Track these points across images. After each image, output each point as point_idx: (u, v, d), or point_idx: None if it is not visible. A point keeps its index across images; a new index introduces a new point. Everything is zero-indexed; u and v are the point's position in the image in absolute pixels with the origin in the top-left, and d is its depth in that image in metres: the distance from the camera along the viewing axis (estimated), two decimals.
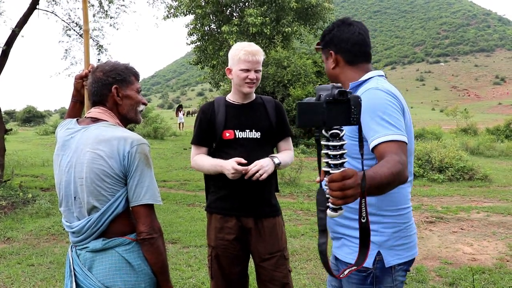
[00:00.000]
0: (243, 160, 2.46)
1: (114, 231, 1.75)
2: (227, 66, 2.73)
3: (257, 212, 2.59)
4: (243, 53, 2.55)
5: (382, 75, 1.92)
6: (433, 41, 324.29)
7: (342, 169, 1.24)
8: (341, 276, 1.38)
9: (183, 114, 33.62)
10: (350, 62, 1.93)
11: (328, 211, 1.26)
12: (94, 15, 11.45)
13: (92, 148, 1.71)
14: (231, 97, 2.70)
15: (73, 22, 11.42)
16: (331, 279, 2.10)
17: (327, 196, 1.24)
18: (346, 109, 1.27)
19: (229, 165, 2.44)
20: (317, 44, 2.05)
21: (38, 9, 10.11)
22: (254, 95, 2.76)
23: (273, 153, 2.71)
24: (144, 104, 1.96)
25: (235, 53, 2.60)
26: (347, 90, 1.27)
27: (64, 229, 6.07)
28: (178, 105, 36.83)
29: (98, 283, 1.71)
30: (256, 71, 2.61)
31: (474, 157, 13.93)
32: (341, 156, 1.27)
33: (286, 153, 2.73)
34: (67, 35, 11.53)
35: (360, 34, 1.92)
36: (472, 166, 10.78)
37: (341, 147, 1.27)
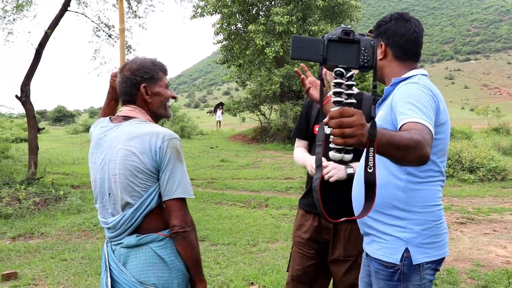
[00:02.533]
0: (323, 160, 2.44)
1: (147, 227, 1.77)
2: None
3: (338, 213, 2.55)
4: None
5: (426, 75, 1.90)
6: (463, 38, 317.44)
7: None
8: (335, 221, 1.39)
9: (222, 113, 33.50)
10: (398, 58, 1.92)
11: (333, 153, 1.22)
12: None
13: (125, 144, 1.73)
14: (330, 92, 2.68)
15: (102, 23, 11.63)
16: (363, 274, 2.09)
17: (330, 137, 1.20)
18: (355, 50, 1.27)
19: (310, 162, 2.51)
20: (370, 31, 2.02)
21: (69, 10, 10.33)
22: (356, 90, 2.71)
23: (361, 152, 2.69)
24: (174, 98, 1.96)
25: None
26: (353, 31, 1.26)
27: (94, 225, 6.24)
28: (217, 103, 36.78)
29: (132, 279, 1.74)
30: None
31: (507, 157, 13.56)
32: (349, 96, 1.25)
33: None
34: (96, 35, 11.74)
35: (415, 32, 1.91)
36: (504, 166, 10.53)
37: (349, 87, 1.25)
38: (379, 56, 1.94)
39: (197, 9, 23.68)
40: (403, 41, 1.90)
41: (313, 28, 21.26)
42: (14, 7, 9.82)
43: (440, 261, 1.85)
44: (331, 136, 1.18)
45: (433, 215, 1.82)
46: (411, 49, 1.92)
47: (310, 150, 2.72)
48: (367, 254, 1.98)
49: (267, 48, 21.27)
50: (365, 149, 1.22)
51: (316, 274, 2.70)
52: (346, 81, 1.26)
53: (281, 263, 4.74)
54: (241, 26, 24.47)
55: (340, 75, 1.25)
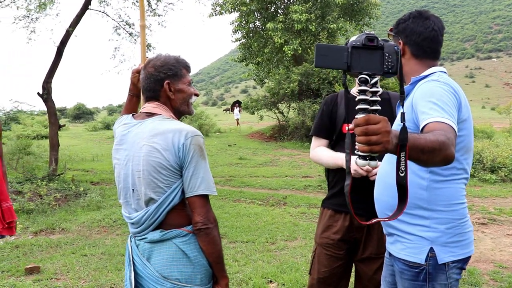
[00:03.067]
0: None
1: (171, 222, 1.78)
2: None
3: (370, 212, 2.46)
4: None
5: (445, 72, 1.88)
6: (485, 36, 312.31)
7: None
8: (367, 222, 1.43)
9: (239, 111, 33.44)
10: (416, 56, 1.91)
11: (358, 160, 1.23)
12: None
13: (148, 141, 1.74)
14: (354, 89, 2.61)
15: (122, 21, 11.75)
16: (386, 274, 2.07)
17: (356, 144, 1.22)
18: (379, 56, 1.27)
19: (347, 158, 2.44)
20: (390, 30, 2.03)
21: (90, 9, 10.45)
22: (380, 89, 2.66)
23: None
24: (196, 95, 1.97)
25: None
26: (377, 37, 1.27)
27: (114, 221, 6.30)
28: (234, 101, 36.71)
29: (156, 273, 1.75)
30: None
31: None
32: (374, 103, 1.24)
33: None
34: (116, 33, 11.86)
35: (433, 30, 1.89)
36: None
37: (374, 94, 1.24)
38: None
39: (216, 7, 23.74)
40: (421, 39, 1.89)
41: (331, 26, 21.13)
42: (37, 6, 9.98)
43: (466, 260, 1.84)
44: (357, 144, 1.19)
45: (457, 213, 1.81)
46: (430, 47, 1.90)
47: (335, 150, 2.61)
48: (390, 254, 1.97)
49: (285, 46, 21.21)
50: (396, 154, 1.24)
51: (344, 274, 2.67)
52: (371, 88, 1.26)
53: (300, 261, 4.73)
54: (259, 24, 24.44)
55: (364, 82, 1.25)
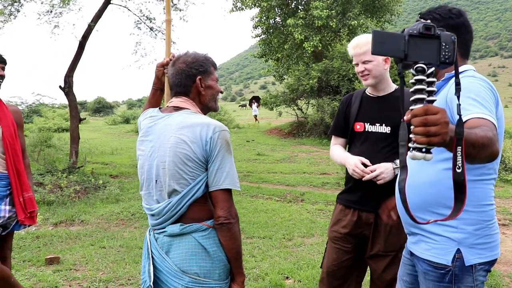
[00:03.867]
0: (366, 161, 2.47)
1: (191, 216, 1.78)
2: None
3: (379, 208, 2.52)
4: (350, 49, 2.56)
5: (474, 70, 1.87)
6: (509, 33, 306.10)
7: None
8: (424, 223, 1.37)
9: (257, 106, 33.32)
10: (459, 54, 1.85)
11: (415, 153, 1.19)
12: (164, 8, 11.75)
13: (176, 133, 1.76)
14: (369, 89, 2.68)
15: (144, 15, 11.80)
16: (403, 273, 2.05)
17: (411, 136, 1.18)
18: (436, 46, 1.23)
19: (352, 162, 2.49)
20: (424, 18, 1.97)
21: (112, 3, 10.53)
22: (393, 87, 2.65)
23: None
24: (221, 92, 2.03)
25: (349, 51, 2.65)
26: (434, 26, 1.22)
27: (132, 215, 6.35)
28: (252, 96, 36.50)
29: (174, 267, 1.76)
30: (364, 62, 2.51)
31: None
32: (431, 93, 1.20)
33: None
34: (138, 28, 11.93)
35: (473, 30, 1.89)
36: None
37: (430, 84, 1.21)
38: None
39: (237, 2, 23.73)
40: (468, 39, 1.87)
41: (352, 22, 20.93)
42: (60, 1, 10.10)
43: (492, 262, 1.81)
44: (413, 135, 1.16)
45: (486, 214, 1.78)
46: (470, 46, 1.89)
47: (349, 148, 2.70)
48: (411, 253, 1.94)
49: (305, 42, 21.10)
50: (452, 148, 1.21)
51: (352, 270, 2.70)
52: (427, 78, 1.22)
53: (317, 258, 4.70)
54: (279, 20, 24.35)
55: (421, 71, 1.20)
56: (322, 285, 2.75)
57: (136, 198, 7.64)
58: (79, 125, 10.23)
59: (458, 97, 1.29)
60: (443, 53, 1.23)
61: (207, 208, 1.81)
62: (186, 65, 1.88)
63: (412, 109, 1.18)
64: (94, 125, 31.31)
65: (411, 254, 1.93)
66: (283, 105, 21.44)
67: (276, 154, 15.01)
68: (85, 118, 11.79)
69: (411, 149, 1.20)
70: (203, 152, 1.74)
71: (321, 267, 2.78)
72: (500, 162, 10.35)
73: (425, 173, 1.78)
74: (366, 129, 2.58)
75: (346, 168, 2.73)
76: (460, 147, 1.20)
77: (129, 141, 19.01)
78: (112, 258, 4.70)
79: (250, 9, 23.62)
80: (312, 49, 21.16)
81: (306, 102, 21.38)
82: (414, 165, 1.81)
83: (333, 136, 2.82)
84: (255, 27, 24.68)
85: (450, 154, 1.67)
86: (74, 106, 10.01)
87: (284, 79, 24.82)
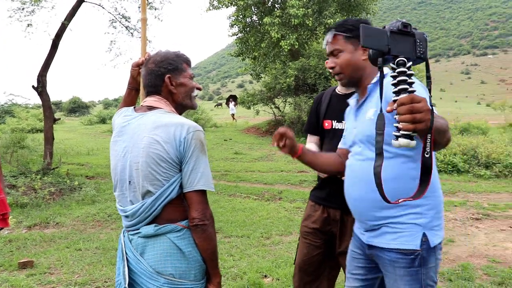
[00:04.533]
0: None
1: (166, 217, 1.76)
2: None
3: (344, 206, 2.51)
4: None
5: None
6: (481, 32, 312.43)
7: None
8: (393, 202, 1.45)
9: (235, 105, 33.13)
10: None
11: (401, 139, 1.27)
12: (139, 7, 11.64)
13: (149, 133, 1.73)
14: (338, 87, 2.70)
15: (119, 14, 11.67)
16: (353, 268, 2.11)
17: (396, 125, 1.27)
18: (412, 42, 1.34)
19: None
20: (344, 31, 2.01)
21: (86, 1, 10.38)
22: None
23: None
24: (199, 89, 1.98)
25: None
26: (410, 24, 1.34)
27: (109, 216, 6.28)
28: (229, 95, 36.29)
29: (149, 268, 1.74)
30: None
31: None
32: (410, 84, 1.28)
33: None
34: (113, 26, 11.79)
35: None
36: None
37: (410, 76, 1.28)
38: (364, 57, 1.98)
39: (213, 1, 23.63)
40: None
41: (329, 21, 21.05)
42: None
43: (442, 241, 1.94)
44: (400, 123, 1.24)
45: (439, 199, 1.90)
46: None
47: (322, 145, 2.73)
48: (370, 247, 1.97)
49: (282, 41, 21.14)
50: (424, 136, 1.30)
51: (323, 265, 2.72)
52: (408, 71, 1.30)
53: (295, 256, 4.72)
54: (256, 19, 24.34)
55: (403, 64, 1.29)
56: (294, 281, 2.78)
57: (112, 199, 7.55)
58: (54, 126, 10.06)
59: (430, 90, 1.39)
60: (419, 49, 1.34)
61: (182, 209, 1.79)
62: (155, 64, 1.86)
63: (395, 100, 1.26)
64: (69, 125, 30.81)
65: (372, 247, 1.96)
66: (260, 103, 21.46)
67: (253, 152, 15.03)
68: (59, 119, 11.59)
69: (395, 137, 1.29)
70: (176, 153, 1.72)
71: (294, 264, 2.82)
72: (473, 158, 10.62)
73: (385, 169, 1.76)
74: (334, 127, 2.62)
75: None
76: (429, 135, 1.29)
77: (106, 141, 18.77)
78: (88, 260, 4.64)
79: (227, 7, 23.54)
80: (288, 48, 21.22)
81: (283, 100, 21.46)
82: (364, 163, 1.90)
83: (308, 134, 2.86)
84: (232, 25, 24.62)
85: (408, 148, 1.73)
86: (48, 106, 9.83)
87: (261, 77, 24.85)
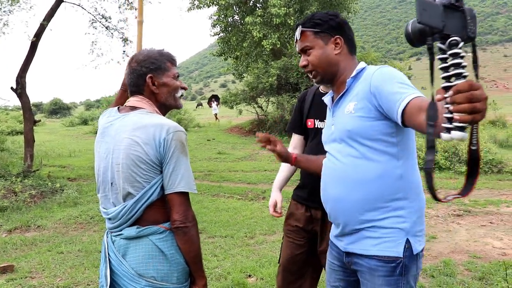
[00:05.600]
0: (279, 205, 2.71)
1: (148, 219, 1.75)
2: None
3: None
4: None
5: None
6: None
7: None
8: (444, 200, 1.31)
9: (217, 105, 32.94)
10: (351, 52, 1.91)
11: (455, 132, 1.10)
12: (119, 7, 11.54)
13: (129, 134, 1.71)
14: (321, 86, 2.67)
15: (99, 14, 11.53)
16: (333, 280, 1.99)
17: (448, 116, 1.11)
18: (462, 19, 1.18)
19: (271, 203, 2.74)
20: (312, 27, 1.88)
21: (65, 1, 10.24)
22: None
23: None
24: (184, 88, 1.93)
25: None
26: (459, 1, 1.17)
27: (91, 218, 6.21)
28: (211, 95, 36.04)
29: (131, 271, 1.72)
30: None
31: (503, 150, 13.58)
32: (463, 67, 1.11)
33: None
34: (93, 27, 11.65)
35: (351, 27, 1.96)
36: (501, 159, 10.54)
37: (462, 58, 1.12)
38: (336, 51, 1.86)
39: (194, 0, 23.54)
40: (352, 36, 1.92)
41: None
42: None
43: (424, 247, 1.83)
44: (455, 114, 1.07)
45: (423, 201, 1.80)
46: (355, 42, 1.94)
47: (306, 144, 2.74)
48: (348, 254, 1.86)
49: (264, 40, 21.17)
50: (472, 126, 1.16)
51: (306, 264, 2.72)
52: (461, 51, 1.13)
53: (278, 255, 4.73)
54: (238, 18, 24.33)
55: (456, 45, 1.12)
56: (278, 280, 2.79)
57: (95, 201, 7.48)
58: (35, 128, 9.91)
59: (477, 76, 1.22)
60: (470, 27, 1.18)
61: (165, 211, 1.77)
62: (137, 63, 1.82)
63: (445, 87, 1.13)
64: (50, 127, 30.37)
65: (350, 254, 1.84)
66: (243, 103, 21.47)
67: (237, 152, 15.02)
68: (39, 120, 11.40)
69: (445, 130, 1.12)
70: (156, 154, 1.69)
71: (278, 263, 2.82)
72: (454, 155, 10.76)
73: (367, 167, 1.73)
74: (316, 126, 2.62)
75: None
76: (476, 125, 1.16)
77: (88, 143, 18.57)
78: (71, 263, 4.58)
79: (208, 7, 23.48)
80: (270, 47, 21.27)
81: (266, 99, 21.49)
82: (345, 159, 1.79)
83: (292, 134, 2.85)
84: (214, 25, 24.57)
85: (392, 143, 1.70)
86: (27, 108, 9.68)
87: (244, 77, 24.85)
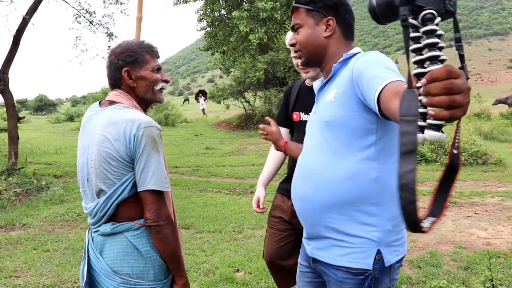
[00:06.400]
0: (261, 202, 2.72)
1: (124, 215, 1.71)
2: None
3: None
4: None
5: None
6: (445, 25, 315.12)
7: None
8: (426, 230, 0.93)
9: (205, 100, 32.74)
10: (346, 36, 1.70)
11: (430, 132, 0.86)
12: (104, 1, 11.40)
13: (102, 130, 1.67)
14: (307, 80, 2.66)
15: (83, 9, 11.39)
16: (303, 284, 1.87)
17: (421, 110, 0.87)
18: None
19: (254, 199, 2.74)
20: (305, 3, 1.70)
21: None
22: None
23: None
24: (166, 81, 1.86)
25: None
26: None
27: (78, 215, 6.16)
28: (198, 90, 35.71)
29: (106, 267, 1.70)
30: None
31: (488, 142, 13.75)
32: (440, 49, 0.89)
33: None
34: (77, 22, 11.50)
35: (351, 9, 1.74)
36: (485, 150, 10.65)
37: (439, 37, 0.90)
38: (326, 33, 1.66)
39: None
40: (351, 19, 1.71)
41: None
42: None
43: (403, 257, 1.67)
44: (429, 108, 0.83)
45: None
46: (353, 26, 1.73)
47: (292, 137, 2.74)
48: (315, 260, 1.73)
49: (251, 35, 21.13)
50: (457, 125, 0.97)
51: (292, 253, 2.71)
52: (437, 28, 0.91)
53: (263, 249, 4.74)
54: (224, 13, 24.24)
55: (431, 20, 0.91)
56: (271, 272, 2.82)
57: (81, 198, 7.33)
58: (19, 125, 9.77)
59: (463, 57, 1.01)
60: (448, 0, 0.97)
61: (140, 207, 1.72)
62: (115, 56, 1.76)
63: (418, 73, 0.89)
64: (35, 124, 29.99)
65: (315, 261, 1.73)
66: (230, 98, 21.40)
67: (224, 147, 14.98)
68: (24, 117, 11.24)
69: (419, 128, 0.88)
70: (127, 151, 1.64)
71: (263, 256, 2.82)
72: (440, 147, 10.84)
73: (338, 165, 1.56)
74: (301, 119, 2.63)
75: (288, 158, 2.77)
76: (458, 123, 0.97)
77: (74, 140, 18.37)
78: (57, 261, 4.54)
79: (195, 1, 23.35)
80: (257, 41, 21.23)
81: (253, 94, 21.45)
82: (323, 155, 1.62)
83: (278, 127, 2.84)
84: (200, 20, 24.45)
85: (370, 141, 1.51)
86: (11, 104, 9.53)
87: (231, 72, 24.77)
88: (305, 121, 2.58)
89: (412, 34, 0.93)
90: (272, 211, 2.77)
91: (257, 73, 19.24)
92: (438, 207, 1.01)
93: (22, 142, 10.75)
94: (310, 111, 2.51)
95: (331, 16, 1.66)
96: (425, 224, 0.95)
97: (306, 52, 1.71)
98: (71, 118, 31.21)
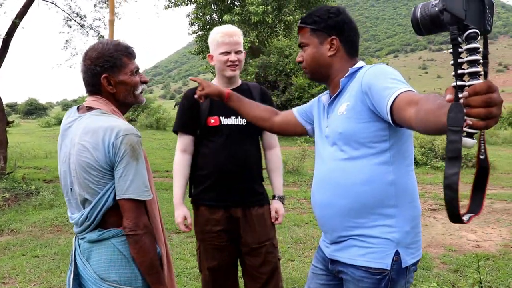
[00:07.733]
0: (188, 217, 2.61)
1: (110, 222, 1.69)
2: None
3: (245, 202, 2.55)
4: (220, 36, 2.51)
5: None
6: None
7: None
8: (466, 222, 1.10)
9: None
10: (349, 54, 1.78)
11: (467, 140, 0.98)
12: (95, 5, 11.38)
13: (80, 139, 1.63)
14: (216, 84, 2.55)
15: (73, 12, 11.36)
16: (315, 285, 1.91)
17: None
18: (480, 7, 1.02)
19: (179, 217, 2.61)
20: (309, 24, 1.78)
21: None
22: (240, 81, 2.67)
23: (259, 142, 2.69)
24: (144, 82, 1.80)
25: (214, 38, 2.56)
26: None
27: (68, 220, 6.08)
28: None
29: (94, 275, 1.67)
30: (237, 53, 2.52)
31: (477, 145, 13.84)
32: (480, 65, 0.99)
33: (277, 167, 2.78)
34: (67, 25, 11.47)
35: (356, 26, 1.81)
36: (475, 153, 10.71)
37: (479, 54, 0.99)
38: (330, 53, 1.75)
39: None
40: (356, 37, 1.79)
41: (288, 18, 21.22)
42: None
43: (418, 261, 1.74)
44: (467, 118, 0.93)
45: (417, 209, 1.71)
46: (358, 43, 1.81)
47: (203, 144, 2.58)
48: (333, 262, 1.79)
49: None
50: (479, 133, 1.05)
51: (232, 266, 2.66)
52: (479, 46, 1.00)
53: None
54: (216, 16, 24.25)
55: (474, 38, 0.98)
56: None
57: None
58: (9, 129, 9.70)
59: (486, 74, 1.06)
60: (487, 19, 1.03)
61: None
62: (91, 61, 1.69)
63: (456, 86, 0.99)
64: (25, 128, 29.80)
65: (335, 262, 1.78)
66: None
67: None
68: (13, 121, 11.17)
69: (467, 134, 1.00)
70: (106, 159, 1.60)
71: (200, 272, 2.70)
72: (431, 150, 10.93)
73: (355, 171, 1.64)
74: (222, 123, 2.51)
75: (197, 162, 2.63)
76: (483, 132, 1.06)
77: None
78: (46, 267, 4.50)
79: (186, 5, 23.35)
80: (249, 45, 21.25)
81: None
82: (339, 163, 1.69)
83: (179, 134, 2.64)
84: (192, 23, 24.45)
85: (385, 147, 1.60)
86: (0, 108, 9.48)
87: None
88: (227, 125, 2.51)
89: (451, 50, 1.01)
90: (203, 226, 2.57)
91: (249, 77, 19.27)
92: (476, 205, 1.15)
93: (11, 146, 10.67)
94: (231, 114, 2.47)
95: (334, 36, 1.75)
96: (465, 217, 1.09)
97: (312, 70, 1.82)
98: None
